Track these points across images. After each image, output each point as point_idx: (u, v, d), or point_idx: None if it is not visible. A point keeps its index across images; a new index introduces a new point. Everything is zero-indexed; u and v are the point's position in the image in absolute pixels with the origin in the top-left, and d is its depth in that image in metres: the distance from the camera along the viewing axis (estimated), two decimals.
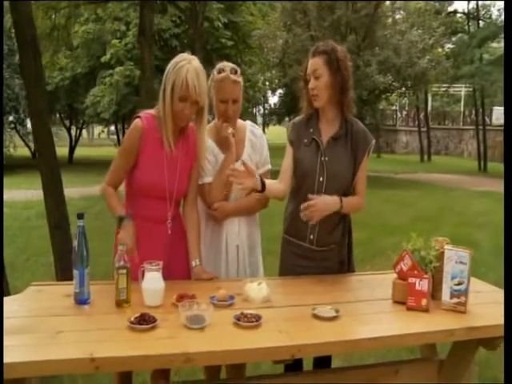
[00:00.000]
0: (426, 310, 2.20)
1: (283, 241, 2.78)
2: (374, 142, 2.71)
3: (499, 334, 2.07)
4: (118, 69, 17.18)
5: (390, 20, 18.38)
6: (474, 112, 23.91)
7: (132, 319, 1.94)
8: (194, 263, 2.54)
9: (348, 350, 2.40)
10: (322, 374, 2.60)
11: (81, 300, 2.18)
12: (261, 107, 37.87)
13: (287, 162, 2.71)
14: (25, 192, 11.64)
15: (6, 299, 2.23)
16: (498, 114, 26.27)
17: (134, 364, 1.77)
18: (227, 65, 2.69)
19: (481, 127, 21.58)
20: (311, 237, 2.64)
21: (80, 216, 2.21)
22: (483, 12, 24.54)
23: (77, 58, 18.56)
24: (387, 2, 18.16)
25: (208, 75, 2.56)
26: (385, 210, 9.98)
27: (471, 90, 23.92)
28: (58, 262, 4.57)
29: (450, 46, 23.86)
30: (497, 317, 2.14)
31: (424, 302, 2.21)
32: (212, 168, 2.72)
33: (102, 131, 27.83)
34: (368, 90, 15.55)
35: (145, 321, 1.94)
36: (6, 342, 1.73)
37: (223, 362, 1.94)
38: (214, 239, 2.75)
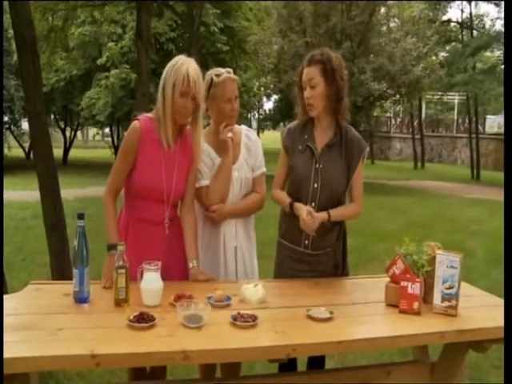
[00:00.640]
0: (418, 313, 2.25)
1: (278, 245, 2.83)
2: (368, 148, 2.75)
3: (489, 336, 2.13)
4: (113, 71, 17.17)
5: (384, 28, 18.52)
6: (467, 120, 24.08)
7: (131, 318, 1.98)
8: (191, 265, 2.58)
9: (341, 351, 2.45)
10: (315, 375, 2.65)
11: (80, 298, 2.22)
12: (256, 112, 37.95)
13: (282, 170, 2.79)
14: (20, 192, 11.63)
15: (5, 297, 2.27)
16: (491, 123, 26.49)
17: (134, 361, 1.82)
18: (219, 69, 2.78)
19: (474, 135, 21.73)
20: (306, 242, 2.69)
21: (80, 216, 2.25)
22: (477, 22, 24.74)
23: (73, 59, 18.55)
24: (382, 10, 18.28)
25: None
26: (378, 217, 10.03)
27: (465, 98, 24.10)
28: (55, 262, 4.58)
29: (443, 54, 24.06)
30: (486, 320, 2.20)
31: (416, 305, 2.26)
32: (209, 171, 2.77)
33: (97, 133, 27.75)
34: (362, 97, 15.65)
35: (144, 319, 1.98)
36: (5, 338, 1.77)
37: (220, 360, 1.99)
38: (211, 241, 2.80)
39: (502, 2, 20.07)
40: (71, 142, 23.74)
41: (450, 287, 2.28)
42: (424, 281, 2.32)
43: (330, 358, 3.29)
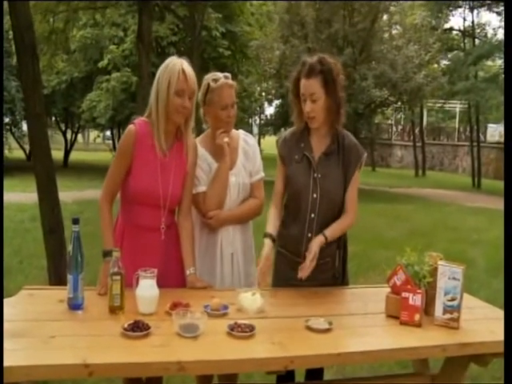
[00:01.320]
0: (419, 325, 2.21)
1: (277, 254, 2.76)
2: (365, 155, 2.68)
3: (491, 350, 2.08)
4: (114, 74, 17.19)
5: (386, 35, 18.51)
6: (468, 129, 24.08)
7: (126, 326, 1.94)
8: (188, 272, 2.54)
9: (341, 363, 2.41)
10: None
11: (74, 305, 2.17)
12: (257, 118, 37.92)
13: (280, 184, 2.71)
14: (19, 194, 11.59)
15: None
16: (492, 132, 26.47)
17: (128, 371, 1.78)
18: (217, 73, 2.73)
19: (475, 144, 21.71)
20: (306, 253, 2.62)
21: (75, 221, 2.21)
22: (479, 30, 24.74)
23: (74, 62, 18.55)
24: (384, 17, 18.29)
25: (201, 84, 2.59)
26: (379, 224, 10.00)
27: (466, 106, 24.11)
28: (52, 265, 4.55)
29: (445, 62, 24.07)
30: (488, 333, 2.16)
31: (417, 317, 2.21)
32: (206, 177, 2.73)
33: (98, 136, 27.78)
34: (364, 104, 15.65)
35: (138, 328, 1.93)
36: None
37: (216, 372, 1.94)
38: (208, 247, 2.76)
39: None
40: (72, 145, 23.75)
41: (452, 299, 2.23)
42: (425, 292, 2.27)
43: (328, 368, 3.23)
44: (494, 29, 25.43)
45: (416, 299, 2.22)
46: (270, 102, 30.36)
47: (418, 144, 26.77)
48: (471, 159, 21.90)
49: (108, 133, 27.99)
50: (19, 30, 4.34)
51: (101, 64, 17.21)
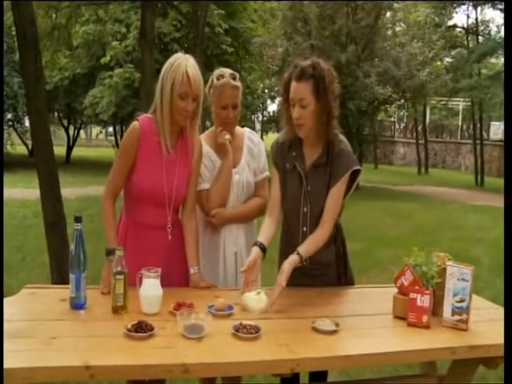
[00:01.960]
0: (427, 327, 2.17)
1: (280, 256, 2.67)
2: (356, 168, 2.47)
3: (501, 353, 2.03)
4: (117, 71, 17.12)
5: (390, 32, 18.42)
6: (471, 126, 24.00)
7: (129, 327, 1.90)
8: (192, 271, 2.51)
9: (348, 365, 2.36)
10: None
11: (77, 305, 2.14)
12: (260, 114, 37.92)
13: (275, 190, 2.59)
14: (21, 190, 11.58)
15: None
16: (495, 129, 26.39)
17: (131, 373, 1.73)
18: (226, 71, 2.67)
19: (478, 142, 21.65)
20: (304, 263, 2.47)
21: (78, 219, 2.18)
22: (482, 27, 24.67)
23: (76, 58, 18.50)
24: (388, 14, 18.21)
25: (206, 81, 2.53)
26: (382, 222, 9.97)
27: (469, 104, 24.03)
28: (54, 262, 4.53)
29: (448, 59, 23.97)
30: (498, 336, 2.11)
31: (425, 318, 2.17)
32: (210, 174, 2.70)
33: (100, 132, 27.78)
34: (367, 101, 15.56)
35: (142, 329, 1.89)
36: None
37: (222, 374, 1.91)
38: (211, 246, 2.72)
39: None
40: (74, 141, 23.73)
41: (461, 300, 2.19)
42: (433, 293, 2.23)
43: (332, 369, 3.19)
44: (497, 26, 25.40)
45: (424, 300, 2.18)
46: (273, 99, 30.42)
47: (421, 141, 26.71)
48: (474, 157, 21.84)
49: (110, 129, 27.98)
50: (22, 25, 4.31)
51: (103, 60, 17.15)
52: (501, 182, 17.98)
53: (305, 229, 2.52)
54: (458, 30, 24.81)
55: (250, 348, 1.87)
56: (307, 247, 2.42)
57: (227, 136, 2.66)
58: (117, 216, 2.55)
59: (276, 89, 22.75)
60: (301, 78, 2.36)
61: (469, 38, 23.13)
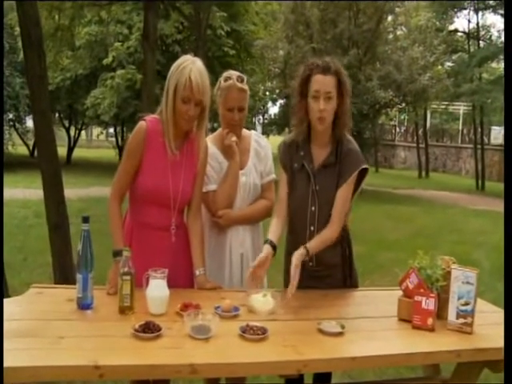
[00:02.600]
0: (432, 330, 2.18)
1: (286, 259, 2.68)
2: (364, 166, 2.51)
3: None
4: (119, 72, 17.12)
5: (391, 36, 18.45)
6: (472, 131, 24.02)
7: (136, 327, 1.91)
8: (197, 272, 2.51)
9: (354, 367, 2.37)
10: None
11: (84, 305, 2.15)
12: (261, 117, 37.88)
13: (283, 191, 2.61)
14: (22, 191, 11.58)
15: (6, 301, 2.20)
16: (496, 134, 26.41)
17: (140, 373, 1.74)
18: (234, 73, 2.69)
19: (479, 146, 21.66)
20: (310, 264, 2.56)
21: (85, 219, 2.18)
22: (483, 32, 24.68)
23: (78, 59, 18.51)
24: (389, 18, 18.25)
25: (213, 84, 2.53)
26: (384, 225, 9.98)
27: (470, 108, 24.04)
28: (57, 262, 4.53)
29: (449, 64, 23.99)
30: (502, 339, 2.12)
31: (430, 321, 2.19)
32: (217, 175, 2.71)
33: (101, 133, 27.77)
34: (368, 105, 15.58)
35: (149, 329, 1.90)
36: (6, 346, 1.70)
37: (229, 375, 1.92)
38: (217, 247, 2.74)
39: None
40: (75, 142, 23.72)
41: (466, 303, 2.20)
42: (438, 296, 2.24)
43: (335, 371, 3.20)
44: (498, 31, 25.36)
45: (429, 303, 2.19)
46: (274, 102, 30.37)
47: (422, 145, 26.71)
48: (475, 161, 21.85)
49: (111, 130, 27.95)
50: (26, 26, 4.32)
51: (105, 61, 17.15)
52: (501, 186, 17.99)
53: (312, 228, 2.53)
54: (459, 34, 24.85)
55: (256, 349, 1.88)
56: (314, 244, 2.44)
57: (233, 138, 2.68)
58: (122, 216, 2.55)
59: (277, 91, 22.74)
60: (327, 72, 2.39)
61: (470, 43, 23.16)
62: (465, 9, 22.59)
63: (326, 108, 2.39)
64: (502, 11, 21.02)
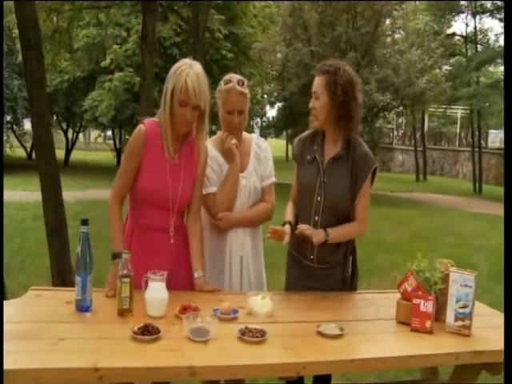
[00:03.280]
0: (430, 332, 2.18)
1: (288, 255, 2.77)
2: (376, 166, 2.62)
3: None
4: (117, 74, 17.14)
5: (389, 39, 18.51)
6: (469, 134, 24.07)
7: (136, 329, 1.91)
8: (196, 274, 2.51)
9: (353, 369, 2.37)
10: None
11: (82, 307, 2.14)
12: (259, 120, 37.97)
13: (296, 181, 2.74)
14: (20, 193, 11.57)
15: (5, 303, 2.20)
16: (493, 137, 26.49)
17: (139, 375, 1.74)
18: (234, 76, 2.69)
19: (476, 149, 21.71)
20: (311, 256, 2.63)
21: (84, 222, 2.18)
22: (481, 36, 24.74)
23: (77, 61, 18.51)
24: (387, 22, 18.30)
25: (211, 87, 2.53)
26: (382, 228, 9.97)
27: (468, 112, 24.10)
28: (55, 265, 4.52)
29: (447, 67, 24.05)
30: (501, 341, 2.12)
31: (428, 323, 2.19)
32: (217, 178, 2.71)
33: (99, 135, 27.76)
34: (366, 108, 15.59)
35: (148, 331, 1.91)
36: (5, 348, 1.70)
37: (228, 377, 1.92)
38: (217, 250, 2.73)
39: None
40: (73, 144, 23.71)
41: (464, 306, 2.21)
42: (436, 298, 2.25)
43: (334, 373, 3.20)
44: (496, 35, 25.42)
45: (427, 306, 2.20)
46: (272, 105, 30.43)
47: (419, 149, 26.75)
48: (472, 165, 21.90)
49: (109, 133, 27.96)
50: (25, 28, 4.32)
51: (103, 64, 17.17)
52: (499, 189, 18.07)
53: (316, 218, 2.58)
54: (457, 38, 24.92)
55: (256, 351, 1.88)
56: (337, 233, 2.55)
57: (234, 141, 2.68)
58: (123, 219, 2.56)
59: (275, 94, 22.77)
60: (318, 73, 2.56)
61: (467, 47, 23.25)
62: (462, 12, 22.67)
63: (314, 106, 2.58)
64: (499, 15, 21.10)
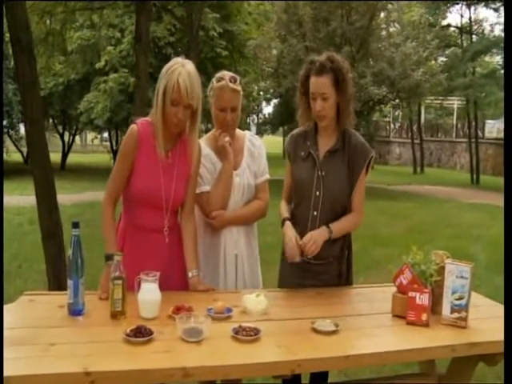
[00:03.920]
0: (427, 325, 2.17)
1: (282, 252, 2.74)
2: (372, 154, 2.64)
3: (501, 350, 2.03)
4: (112, 76, 17.11)
5: (384, 32, 18.45)
6: (466, 125, 24.05)
7: (128, 331, 1.89)
8: (190, 274, 2.50)
9: (349, 365, 2.36)
10: None
11: (75, 311, 2.13)
12: (255, 117, 37.94)
13: (288, 179, 2.72)
14: (17, 198, 11.54)
15: None
16: (490, 128, 26.48)
17: (131, 378, 1.72)
18: (226, 73, 2.68)
19: (473, 140, 21.70)
20: (308, 256, 2.58)
21: (75, 225, 2.16)
22: (476, 27, 24.70)
23: (71, 63, 18.45)
24: (382, 15, 18.26)
25: (206, 85, 2.52)
26: (379, 221, 9.96)
27: (464, 103, 24.08)
28: (51, 269, 4.49)
29: (442, 58, 24.03)
30: (498, 332, 2.11)
31: (424, 316, 2.18)
32: (210, 177, 2.70)
33: (95, 137, 27.71)
34: (362, 102, 15.57)
35: (141, 333, 1.89)
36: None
37: (222, 377, 1.89)
38: (211, 248, 2.72)
39: (501, 8, 20.12)
40: (70, 147, 23.64)
41: (460, 298, 2.20)
42: (432, 291, 2.23)
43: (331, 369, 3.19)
44: (491, 25, 25.55)
45: (423, 298, 2.19)
46: (268, 101, 30.42)
47: (416, 141, 26.75)
48: (470, 155, 21.88)
49: (106, 134, 27.92)
50: (16, 31, 4.27)
51: (98, 65, 17.13)
52: (496, 179, 18.07)
53: (315, 213, 2.57)
54: (452, 29, 24.86)
55: (249, 350, 1.87)
56: (338, 224, 2.55)
57: (227, 138, 2.67)
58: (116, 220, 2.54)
59: (271, 91, 22.74)
60: (321, 73, 2.48)
61: (463, 37, 23.19)
62: (457, 3, 22.59)
63: (323, 107, 2.50)
64: (494, 5, 21.07)
